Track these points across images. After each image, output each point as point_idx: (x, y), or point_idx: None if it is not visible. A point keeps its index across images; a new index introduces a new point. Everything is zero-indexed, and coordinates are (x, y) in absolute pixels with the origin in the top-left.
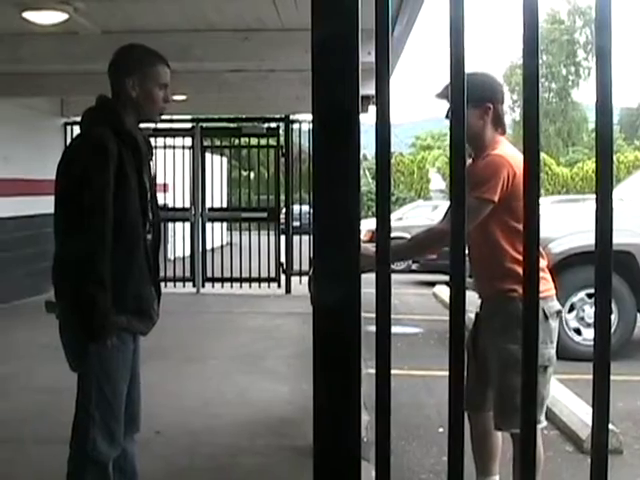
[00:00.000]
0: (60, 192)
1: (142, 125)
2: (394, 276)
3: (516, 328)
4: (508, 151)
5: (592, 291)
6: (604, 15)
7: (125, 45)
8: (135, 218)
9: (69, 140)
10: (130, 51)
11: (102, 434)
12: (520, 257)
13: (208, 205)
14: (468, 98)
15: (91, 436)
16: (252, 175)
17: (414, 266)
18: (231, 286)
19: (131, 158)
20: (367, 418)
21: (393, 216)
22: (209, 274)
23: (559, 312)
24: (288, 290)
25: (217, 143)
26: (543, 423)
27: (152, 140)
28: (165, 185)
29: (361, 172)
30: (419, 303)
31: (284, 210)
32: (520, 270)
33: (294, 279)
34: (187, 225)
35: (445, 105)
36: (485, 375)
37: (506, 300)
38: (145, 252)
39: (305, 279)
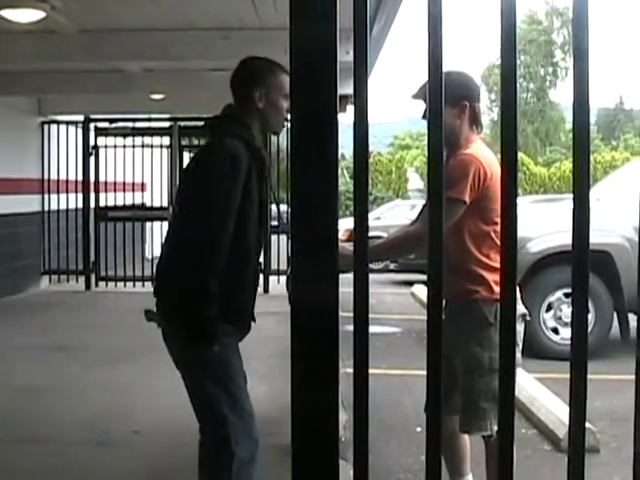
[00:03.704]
0: (185, 196)
1: (122, 123)
2: (372, 275)
3: (479, 331)
4: (480, 151)
5: (569, 290)
6: (581, 16)
7: (248, 57)
8: (252, 233)
9: (46, 139)
10: (254, 62)
11: (243, 432)
12: (485, 260)
13: None
14: (445, 97)
15: (233, 437)
16: None
17: (392, 265)
18: None
19: (256, 171)
20: (345, 417)
21: (371, 215)
22: None
23: (524, 315)
24: (266, 290)
25: (195, 142)
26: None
27: (130, 139)
28: (143, 184)
29: (339, 171)
30: (397, 302)
31: None
32: (484, 273)
33: (272, 278)
34: (165, 224)
35: (422, 105)
36: (450, 378)
37: (468, 302)
38: (255, 265)
39: (283, 278)
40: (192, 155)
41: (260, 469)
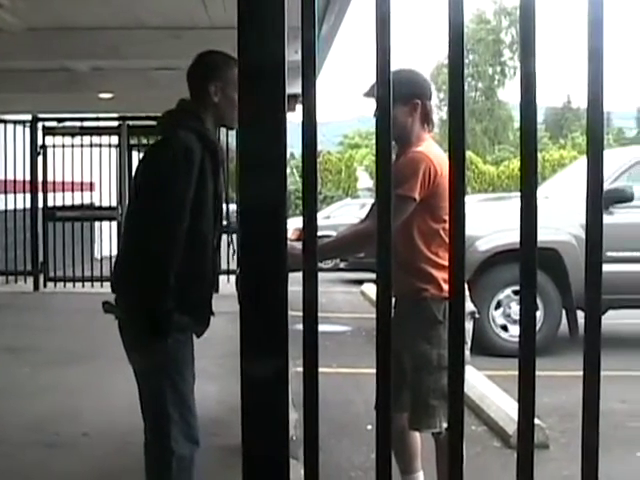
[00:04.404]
0: (140, 191)
1: (71, 123)
2: (322, 274)
3: (427, 329)
4: (431, 149)
5: (518, 288)
6: (528, 14)
7: (205, 51)
8: (208, 224)
9: None
10: (211, 56)
11: (183, 431)
12: (434, 258)
13: None
14: (396, 95)
15: (173, 434)
16: None
17: (342, 264)
18: None
19: (210, 164)
20: (295, 416)
21: (321, 214)
22: None
23: (472, 313)
24: (216, 289)
25: (144, 141)
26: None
27: (78, 139)
28: (91, 184)
29: (289, 171)
30: (347, 301)
31: None
32: (433, 271)
33: (222, 278)
34: (114, 224)
35: (374, 104)
36: (399, 376)
37: (417, 300)
38: (212, 257)
39: (232, 278)
40: (146, 149)
41: (200, 472)
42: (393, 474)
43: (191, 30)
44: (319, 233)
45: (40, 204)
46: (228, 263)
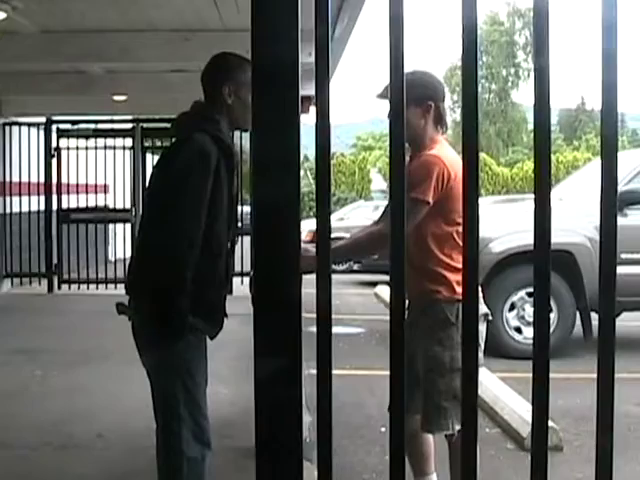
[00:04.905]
0: (156, 193)
1: (85, 125)
2: (335, 276)
3: (440, 331)
4: (444, 152)
5: (532, 290)
6: (542, 15)
7: (219, 53)
8: (222, 227)
9: (8, 140)
10: (225, 58)
11: (194, 433)
12: (447, 260)
13: None
14: (409, 97)
15: (184, 436)
16: None
17: (355, 266)
18: None
19: (225, 166)
20: (309, 419)
21: (334, 216)
22: None
23: (486, 315)
24: (230, 291)
25: (158, 143)
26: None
27: (92, 141)
28: (105, 186)
29: (302, 173)
30: (360, 303)
31: None
32: (446, 273)
33: (235, 280)
34: (128, 226)
35: (387, 105)
36: (412, 378)
37: (430, 302)
38: (226, 260)
39: (246, 280)
40: (161, 153)
41: (211, 474)
42: (406, 476)
43: (203, 32)
44: (332, 235)
45: (54, 206)
46: (242, 265)
